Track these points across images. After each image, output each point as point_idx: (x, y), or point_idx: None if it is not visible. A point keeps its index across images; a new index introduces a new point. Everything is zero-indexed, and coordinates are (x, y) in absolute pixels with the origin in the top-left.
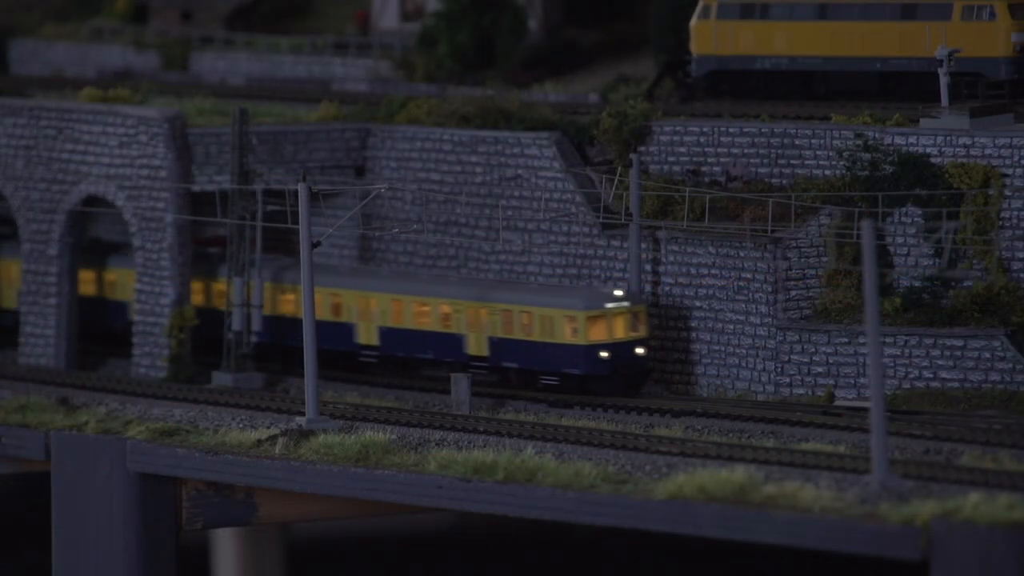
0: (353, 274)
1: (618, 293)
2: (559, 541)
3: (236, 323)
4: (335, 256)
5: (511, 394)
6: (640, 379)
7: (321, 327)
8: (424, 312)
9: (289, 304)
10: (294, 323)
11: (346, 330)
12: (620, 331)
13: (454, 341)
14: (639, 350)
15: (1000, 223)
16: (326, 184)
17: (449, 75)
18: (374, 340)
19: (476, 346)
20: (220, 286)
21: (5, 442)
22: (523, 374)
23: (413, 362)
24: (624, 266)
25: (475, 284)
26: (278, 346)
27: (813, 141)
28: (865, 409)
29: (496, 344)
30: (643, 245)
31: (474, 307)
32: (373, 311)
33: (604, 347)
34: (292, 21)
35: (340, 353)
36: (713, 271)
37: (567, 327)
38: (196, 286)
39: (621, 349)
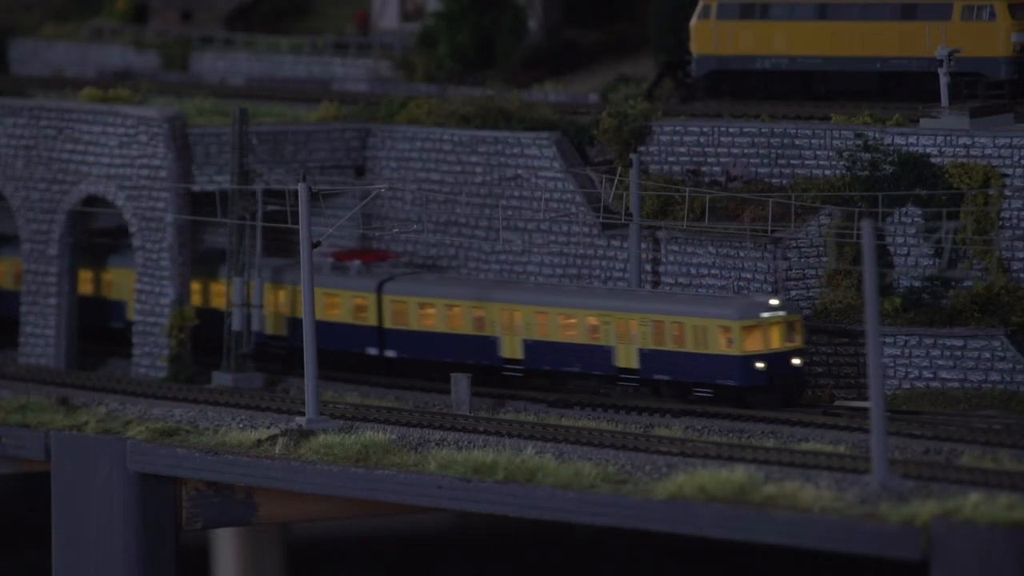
0: (497, 287)
1: (774, 302)
2: (559, 541)
3: (236, 323)
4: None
5: (511, 394)
6: (797, 391)
7: (463, 341)
8: (571, 324)
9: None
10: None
11: (489, 344)
12: (776, 341)
13: (602, 353)
14: (795, 361)
15: (1000, 223)
16: (326, 184)
17: (449, 75)
18: (518, 354)
19: (625, 358)
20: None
21: (5, 442)
22: (675, 386)
23: (559, 375)
24: (624, 266)
25: (624, 295)
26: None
27: (813, 141)
28: (865, 409)
29: (646, 356)
30: (643, 245)
31: (623, 318)
32: (517, 324)
33: (760, 358)
34: (292, 21)
35: (483, 367)
36: (713, 271)
37: (721, 337)
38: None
39: (777, 360)
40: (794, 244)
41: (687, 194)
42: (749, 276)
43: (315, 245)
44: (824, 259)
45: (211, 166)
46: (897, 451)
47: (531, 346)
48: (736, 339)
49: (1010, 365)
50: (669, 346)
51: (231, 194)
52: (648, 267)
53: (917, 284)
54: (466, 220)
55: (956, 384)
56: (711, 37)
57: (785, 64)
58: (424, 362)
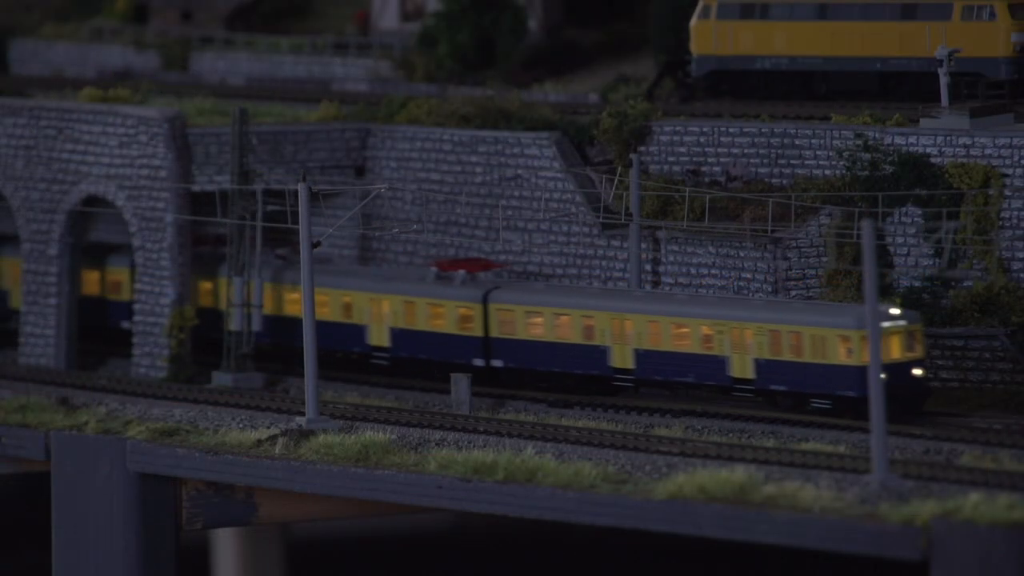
0: (607, 295)
1: (894, 311)
2: (559, 541)
3: (235, 323)
4: (335, 255)
5: (511, 394)
6: (918, 402)
7: (572, 350)
8: (683, 333)
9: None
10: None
11: (599, 353)
12: (896, 351)
13: (716, 363)
14: (916, 371)
15: (1000, 223)
16: (326, 184)
17: (449, 75)
18: (629, 364)
19: (740, 368)
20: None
21: (5, 442)
22: (792, 397)
23: (670, 385)
24: (624, 266)
25: (739, 303)
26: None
27: (813, 141)
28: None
29: (762, 366)
30: (643, 245)
31: (738, 327)
32: (628, 333)
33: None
34: (292, 21)
35: (592, 377)
36: (713, 271)
37: (841, 347)
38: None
39: (898, 370)
40: (794, 244)
41: (687, 194)
42: (749, 276)
43: (315, 245)
44: (824, 259)
45: (211, 166)
46: (897, 451)
47: (642, 356)
48: (856, 349)
49: (1010, 365)
50: (786, 356)
51: (231, 194)
52: (648, 267)
53: (917, 284)
54: (466, 220)
55: (956, 384)
56: (711, 37)
57: (785, 64)
58: (531, 372)
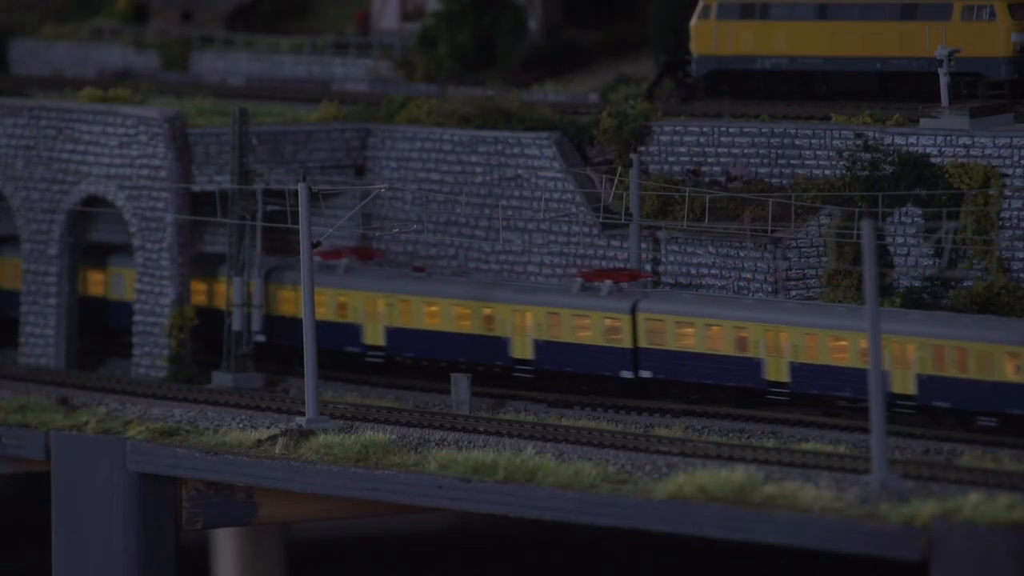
0: (761, 306)
1: None
2: (559, 541)
3: (236, 323)
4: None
5: (511, 394)
6: None
7: (724, 361)
8: (841, 347)
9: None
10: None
11: (752, 365)
12: None
13: (863, 377)
14: None
15: (1000, 223)
16: (326, 184)
17: (449, 75)
18: (784, 376)
19: (901, 384)
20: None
21: (5, 442)
22: (956, 415)
23: (828, 400)
24: (624, 266)
25: (899, 316)
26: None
27: (813, 141)
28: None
29: (925, 382)
30: (643, 245)
31: (900, 342)
32: (784, 346)
33: None
34: (292, 21)
35: (744, 389)
36: (713, 271)
37: (1009, 364)
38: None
39: None
40: (794, 244)
41: (687, 194)
42: (749, 276)
43: (315, 245)
44: (824, 259)
45: (211, 166)
46: (897, 451)
47: (798, 369)
48: None
49: None
50: (950, 372)
51: (231, 194)
52: (648, 267)
53: (917, 284)
54: (466, 220)
55: None
56: (711, 37)
57: (785, 64)
58: (680, 384)
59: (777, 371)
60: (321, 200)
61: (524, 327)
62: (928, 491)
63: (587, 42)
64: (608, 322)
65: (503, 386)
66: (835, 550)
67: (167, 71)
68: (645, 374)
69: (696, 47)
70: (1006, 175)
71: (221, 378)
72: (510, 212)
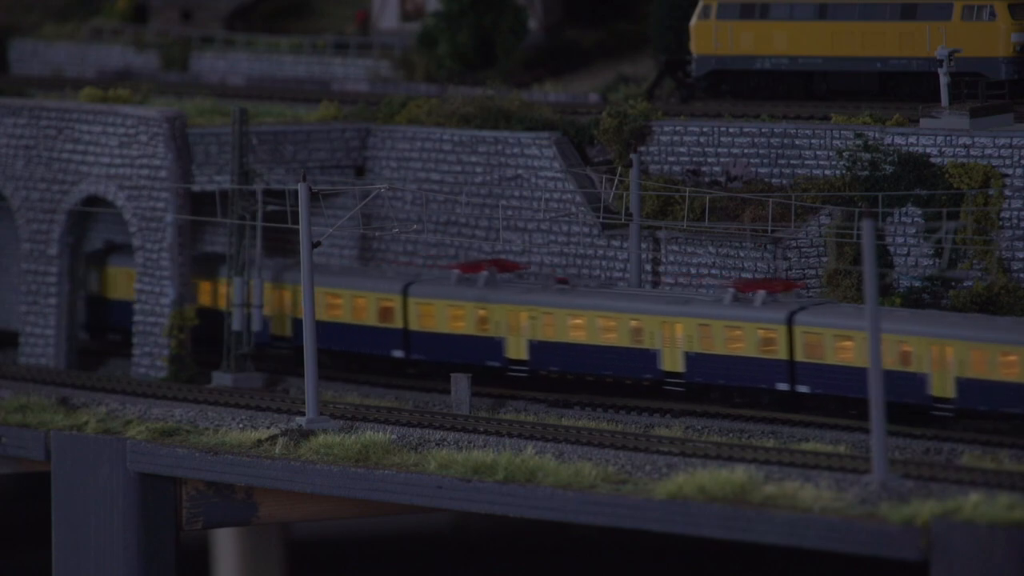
0: (924, 319)
1: None
2: (559, 541)
3: (236, 323)
4: (335, 256)
5: (511, 394)
6: None
7: (887, 376)
8: (1010, 362)
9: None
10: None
11: (917, 381)
12: None
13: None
14: None
15: (1000, 223)
16: (326, 184)
17: (449, 75)
18: (950, 393)
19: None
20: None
21: (5, 442)
22: (996, 418)
23: (993, 416)
24: (624, 266)
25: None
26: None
27: (813, 141)
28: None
29: (964, 385)
30: (643, 245)
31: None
32: (949, 361)
33: None
34: (292, 21)
35: (907, 405)
36: (713, 271)
37: None
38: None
39: None
40: (794, 244)
41: (687, 194)
42: (749, 276)
43: (315, 245)
44: (824, 259)
45: (211, 166)
46: (897, 451)
47: (964, 384)
48: None
49: None
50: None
51: (231, 194)
52: (648, 267)
53: (917, 284)
54: (466, 220)
55: None
56: (711, 37)
57: (785, 64)
58: (839, 399)
59: (943, 387)
60: (321, 200)
61: (674, 339)
62: (928, 491)
63: (587, 42)
64: (763, 333)
65: (649, 398)
66: (835, 550)
67: (167, 71)
68: (802, 388)
69: (696, 47)
70: (1006, 175)
71: (221, 378)
72: (510, 212)
